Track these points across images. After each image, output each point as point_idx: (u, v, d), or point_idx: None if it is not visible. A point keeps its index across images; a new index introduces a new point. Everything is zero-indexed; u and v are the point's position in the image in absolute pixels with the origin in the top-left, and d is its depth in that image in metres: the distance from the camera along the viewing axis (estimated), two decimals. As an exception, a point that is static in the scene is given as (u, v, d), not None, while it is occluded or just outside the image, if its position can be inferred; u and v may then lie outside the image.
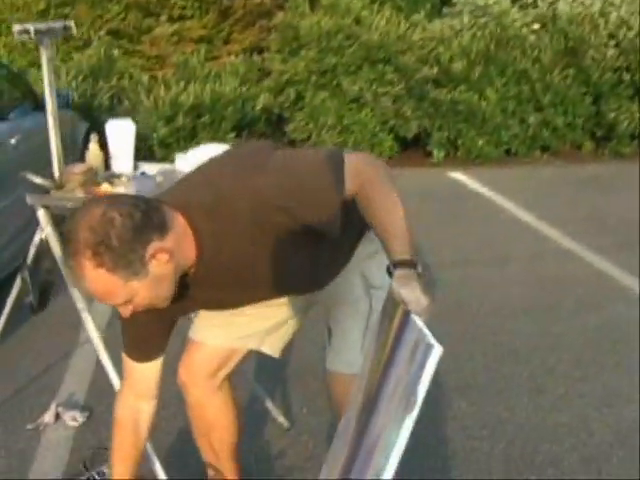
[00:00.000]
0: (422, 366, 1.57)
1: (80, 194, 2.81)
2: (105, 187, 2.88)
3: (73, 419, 3.60)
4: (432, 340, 1.59)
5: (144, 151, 8.23)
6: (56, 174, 3.04)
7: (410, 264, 1.87)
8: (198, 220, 2.02)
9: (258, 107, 9.29)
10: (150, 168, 3.24)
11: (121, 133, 3.18)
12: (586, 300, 4.94)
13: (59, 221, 2.92)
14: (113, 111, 8.82)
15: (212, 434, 2.68)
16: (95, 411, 3.62)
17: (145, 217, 1.92)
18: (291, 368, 3.94)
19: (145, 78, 9.54)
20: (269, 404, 3.51)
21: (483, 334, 4.47)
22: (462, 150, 9.39)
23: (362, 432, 1.80)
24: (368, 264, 2.34)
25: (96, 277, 1.91)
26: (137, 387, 2.39)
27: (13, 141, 5.01)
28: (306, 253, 2.14)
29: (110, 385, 3.83)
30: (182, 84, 9.03)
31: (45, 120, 5.96)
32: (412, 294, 1.78)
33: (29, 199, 2.93)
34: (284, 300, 2.45)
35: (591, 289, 5.14)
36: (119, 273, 1.90)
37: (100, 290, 1.95)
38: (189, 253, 2.03)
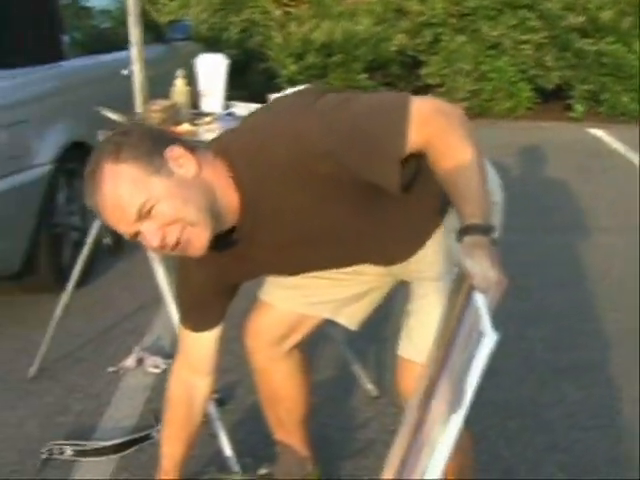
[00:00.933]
0: (473, 356, 1.30)
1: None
2: (185, 126, 2.65)
3: (155, 366, 3.48)
4: (487, 326, 1.31)
5: (273, 89, 8.05)
6: (137, 110, 2.83)
7: (482, 230, 1.58)
8: (238, 165, 1.78)
9: (392, 48, 8.95)
10: (242, 108, 2.99)
11: (212, 69, 2.94)
12: None
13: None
14: (242, 45, 8.65)
15: (279, 404, 2.47)
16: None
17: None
18: (389, 331, 3.68)
19: (278, 13, 9.30)
20: (358, 369, 3.27)
21: (603, 309, 4.10)
22: (605, 106, 8.85)
23: (419, 425, 1.55)
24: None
25: (116, 174, 1.69)
26: (191, 360, 2.21)
27: (125, 72, 4.85)
28: (367, 213, 1.87)
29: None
30: (315, 21, 8.76)
31: (165, 52, 5.93)
32: (477, 266, 1.51)
33: (100, 135, 2.74)
34: (365, 269, 2.18)
35: None
36: (140, 164, 1.69)
37: (119, 193, 1.69)
38: (229, 196, 1.79)
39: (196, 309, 2.12)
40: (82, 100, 4.41)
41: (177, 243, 1.74)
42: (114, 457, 2.84)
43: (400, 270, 2.14)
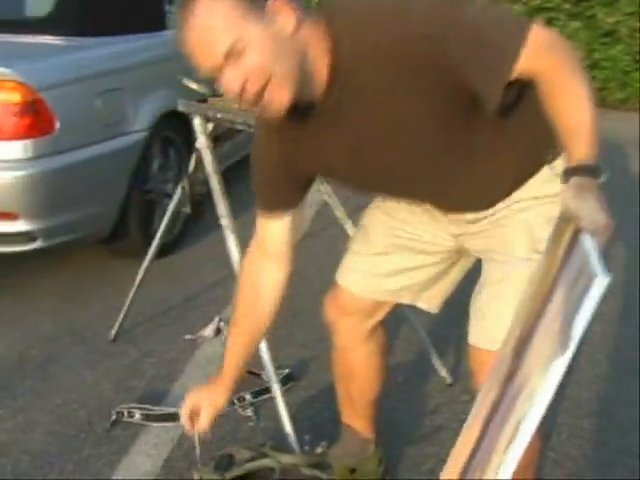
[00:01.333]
0: (582, 298, 1.24)
1: (235, 104, 2.58)
2: (264, 100, 2.63)
3: (232, 337, 3.49)
4: (598, 267, 1.25)
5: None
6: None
7: (591, 171, 1.51)
8: (340, 37, 1.71)
9: (504, 32, 8.78)
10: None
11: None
12: None
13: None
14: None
15: (352, 383, 2.44)
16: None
17: None
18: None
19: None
20: (434, 355, 3.23)
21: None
22: None
23: (512, 373, 1.50)
24: (539, 214, 1.93)
25: (211, 8, 1.62)
26: (263, 245, 2.12)
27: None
28: (452, 140, 1.80)
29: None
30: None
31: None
32: (586, 208, 1.43)
33: (180, 105, 2.75)
34: (436, 247, 2.14)
35: None
36: (239, 3, 1.63)
37: (211, 26, 1.62)
38: (322, 64, 1.72)
39: (268, 190, 2.05)
40: (181, 70, 4.45)
41: (257, 96, 1.67)
42: (181, 424, 2.87)
43: (474, 243, 2.08)
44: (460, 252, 2.19)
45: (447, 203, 2.03)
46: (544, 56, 1.62)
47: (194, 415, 2.23)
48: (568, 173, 1.53)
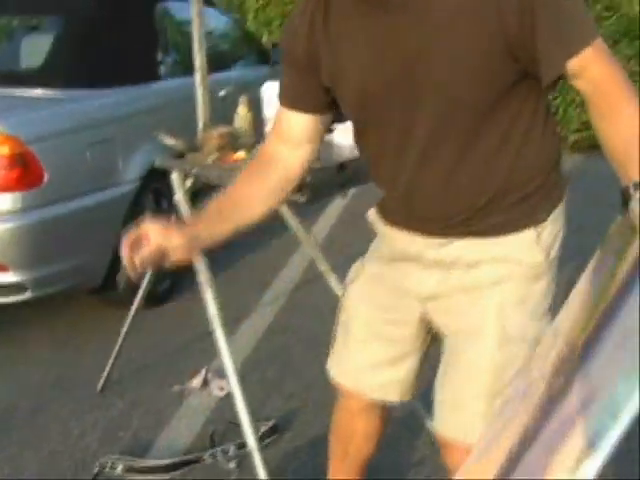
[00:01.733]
0: None
1: (211, 160, 2.61)
2: (240, 154, 2.66)
3: (220, 388, 3.49)
4: None
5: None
6: (199, 135, 2.86)
7: None
8: None
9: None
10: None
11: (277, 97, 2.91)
12: None
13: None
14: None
15: (352, 441, 2.38)
16: (244, 384, 3.46)
17: None
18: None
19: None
20: (419, 407, 3.20)
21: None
22: None
23: (560, 392, 1.45)
24: (512, 291, 1.88)
25: None
26: (281, 134, 1.99)
27: (222, 93, 4.91)
28: (483, 101, 1.71)
29: (266, 360, 3.67)
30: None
31: (267, 74, 6.00)
32: None
33: (157, 161, 2.77)
34: (408, 327, 2.07)
35: None
36: None
37: None
38: None
39: (291, 76, 1.95)
40: (172, 120, 4.49)
41: None
42: (164, 477, 2.86)
43: (442, 319, 2.00)
44: (430, 332, 2.10)
45: (429, 187, 1.87)
46: (604, 62, 1.63)
47: (137, 242, 1.80)
48: (632, 188, 1.50)
